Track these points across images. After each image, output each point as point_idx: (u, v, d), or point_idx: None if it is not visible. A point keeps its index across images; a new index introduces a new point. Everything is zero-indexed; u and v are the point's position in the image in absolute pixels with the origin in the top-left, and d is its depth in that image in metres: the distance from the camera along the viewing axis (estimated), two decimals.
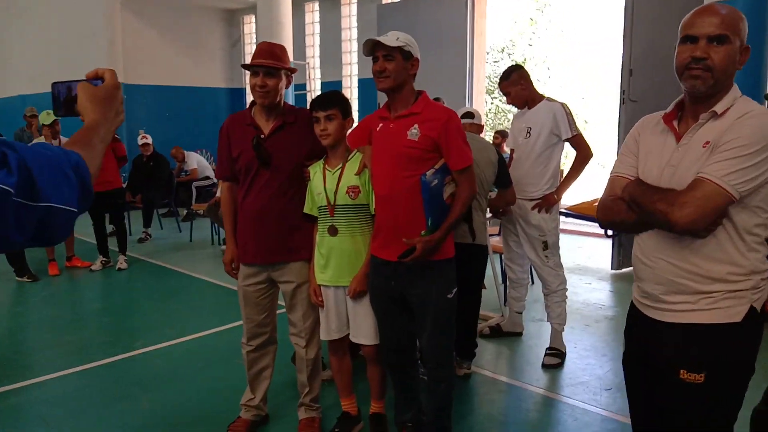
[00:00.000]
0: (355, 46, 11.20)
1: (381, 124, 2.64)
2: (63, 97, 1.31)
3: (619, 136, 6.05)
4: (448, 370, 2.71)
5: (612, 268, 6.32)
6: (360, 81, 10.97)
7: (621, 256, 6.28)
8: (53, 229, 0.99)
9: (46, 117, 6.42)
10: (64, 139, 6.54)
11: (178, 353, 4.25)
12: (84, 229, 7.43)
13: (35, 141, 6.57)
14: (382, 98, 8.46)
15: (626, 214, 1.85)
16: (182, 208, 10.07)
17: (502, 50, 16.39)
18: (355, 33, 11.15)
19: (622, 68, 5.91)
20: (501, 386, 3.67)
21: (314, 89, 12.06)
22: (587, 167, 3.87)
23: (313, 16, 12.04)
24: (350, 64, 11.43)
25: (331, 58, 11.58)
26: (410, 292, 2.60)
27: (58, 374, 3.88)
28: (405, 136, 2.51)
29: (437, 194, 2.47)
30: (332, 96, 2.76)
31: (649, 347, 1.91)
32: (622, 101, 5.95)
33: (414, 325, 2.68)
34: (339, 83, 11.43)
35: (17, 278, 6.25)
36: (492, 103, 13.47)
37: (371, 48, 2.51)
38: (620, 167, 1.94)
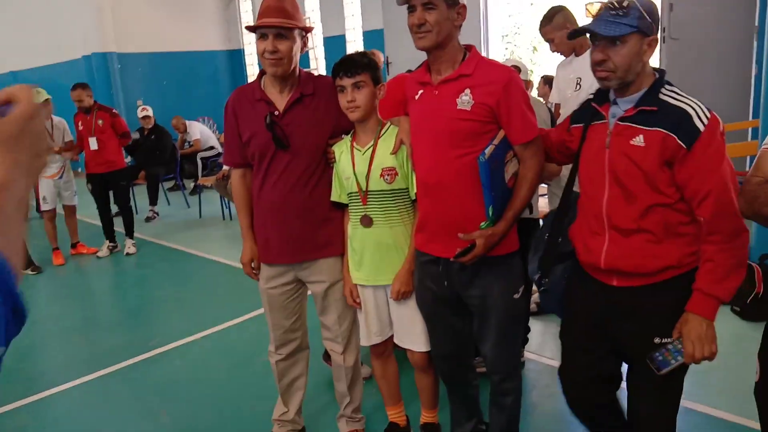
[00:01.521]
0: None
1: (421, 91, 2.14)
2: None
3: None
4: (517, 380, 2.30)
5: None
6: (365, 34, 10.32)
7: None
8: None
9: (36, 95, 5.90)
10: (56, 120, 6.07)
11: (197, 352, 3.88)
12: (86, 209, 7.03)
13: None
14: (390, 52, 7.93)
15: None
16: (188, 180, 9.64)
17: None
18: None
19: (661, 3, 5.32)
20: None
21: (316, 45, 11.42)
22: None
23: None
24: (353, 15, 10.75)
25: (332, 11, 10.90)
26: (468, 294, 2.17)
27: (68, 385, 3.52)
28: (454, 106, 2.01)
29: (498, 176, 2.00)
30: (359, 58, 2.25)
31: None
32: (663, 40, 5.37)
33: (472, 329, 2.26)
34: (342, 37, 10.79)
35: None
36: (507, 50, 12.72)
37: None
38: None
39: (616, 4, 1.68)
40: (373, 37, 9.60)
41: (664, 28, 5.33)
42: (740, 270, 1.71)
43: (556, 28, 3.34)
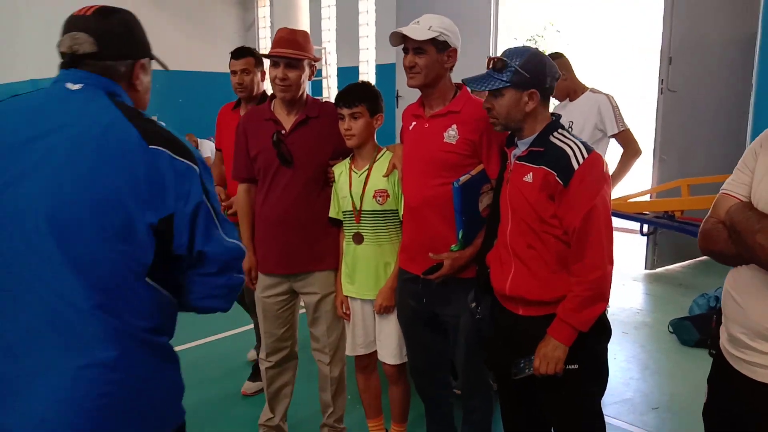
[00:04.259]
0: (373, 30, 10.83)
1: (414, 123, 2.34)
2: None
3: (656, 130, 5.70)
4: (482, 399, 2.43)
5: (646, 268, 6.00)
6: (378, 67, 10.61)
7: (656, 255, 5.97)
8: None
9: None
10: None
11: (189, 359, 4.01)
12: None
13: None
14: (400, 86, 8.18)
15: (725, 243, 1.53)
16: None
17: (530, 39, 15.89)
18: (373, 16, 10.78)
19: (660, 56, 5.55)
20: None
21: (330, 75, 11.73)
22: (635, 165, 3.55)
23: None
24: (368, 49, 11.07)
25: (348, 43, 11.23)
26: (444, 312, 2.33)
27: None
28: (441, 139, 2.21)
29: (472, 205, 2.18)
30: (359, 90, 2.45)
31: (736, 407, 1.61)
32: (660, 92, 5.59)
33: (447, 346, 2.41)
34: (356, 69, 11.09)
35: None
36: None
37: (398, 41, 2.22)
38: (731, 184, 1.61)
39: (495, 62, 1.89)
40: (385, 70, 9.88)
41: (662, 80, 5.54)
42: (598, 304, 1.84)
43: None
